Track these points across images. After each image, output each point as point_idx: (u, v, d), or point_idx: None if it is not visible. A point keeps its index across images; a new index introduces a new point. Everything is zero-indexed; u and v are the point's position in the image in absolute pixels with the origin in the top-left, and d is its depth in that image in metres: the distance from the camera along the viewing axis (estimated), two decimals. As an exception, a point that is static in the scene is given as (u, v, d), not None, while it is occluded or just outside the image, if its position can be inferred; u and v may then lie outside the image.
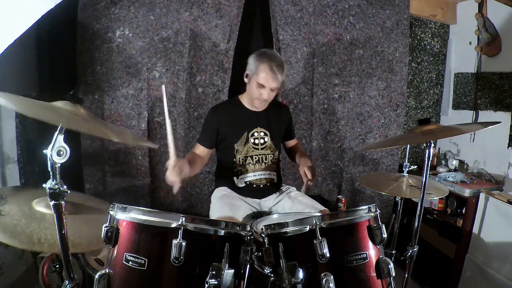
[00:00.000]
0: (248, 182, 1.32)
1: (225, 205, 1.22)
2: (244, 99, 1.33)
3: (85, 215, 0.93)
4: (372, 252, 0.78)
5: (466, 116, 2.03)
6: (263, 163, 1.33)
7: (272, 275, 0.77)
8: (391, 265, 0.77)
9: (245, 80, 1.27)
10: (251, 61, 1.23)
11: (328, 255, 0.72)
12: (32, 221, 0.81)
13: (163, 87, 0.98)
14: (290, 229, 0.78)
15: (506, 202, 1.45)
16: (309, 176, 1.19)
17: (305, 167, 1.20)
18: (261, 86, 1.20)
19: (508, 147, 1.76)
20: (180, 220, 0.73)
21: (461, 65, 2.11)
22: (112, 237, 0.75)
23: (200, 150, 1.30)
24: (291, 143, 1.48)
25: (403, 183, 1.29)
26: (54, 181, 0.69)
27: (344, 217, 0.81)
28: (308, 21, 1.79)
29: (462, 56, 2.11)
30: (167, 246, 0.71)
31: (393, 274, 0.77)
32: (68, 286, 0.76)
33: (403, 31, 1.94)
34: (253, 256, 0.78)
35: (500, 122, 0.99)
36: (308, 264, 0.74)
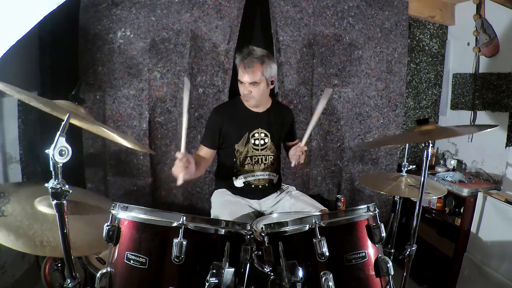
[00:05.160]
0: (246, 183, 1.33)
1: (225, 212, 1.22)
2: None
3: (86, 216, 0.93)
4: (371, 251, 0.79)
5: (464, 116, 2.04)
6: (263, 164, 1.34)
7: (272, 273, 0.77)
8: (390, 264, 0.78)
9: None
10: (236, 62, 1.28)
11: (327, 254, 0.73)
12: (35, 222, 0.81)
13: (186, 79, 1.00)
14: (289, 228, 0.79)
15: (504, 202, 1.46)
16: (298, 153, 1.19)
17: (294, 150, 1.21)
18: (240, 82, 1.24)
19: (506, 147, 1.77)
20: (181, 219, 0.73)
21: (459, 65, 2.12)
22: (114, 236, 0.76)
23: (204, 151, 1.31)
24: (292, 143, 1.49)
25: (402, 182, 1.30)
26: (56, 180, 0.69)
27: (343, 216, 0.82)
28: (307, 22, 1.80)
29: (460, 56, 2.12)
30: (168, 245, 0.72)
31: (392, 273, 0.78)
32: (70, 284, 0.77)
33: (402, 32, 1.95)
34: (253, 255, 0.79)
35: (497, 125, 1.00)
36: (308, 263, 0.75)
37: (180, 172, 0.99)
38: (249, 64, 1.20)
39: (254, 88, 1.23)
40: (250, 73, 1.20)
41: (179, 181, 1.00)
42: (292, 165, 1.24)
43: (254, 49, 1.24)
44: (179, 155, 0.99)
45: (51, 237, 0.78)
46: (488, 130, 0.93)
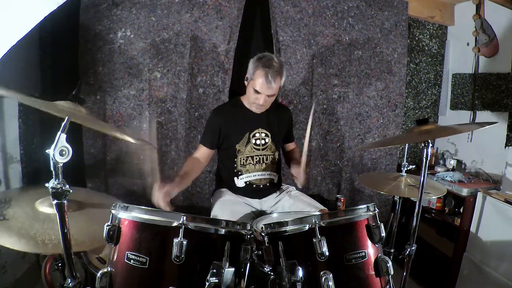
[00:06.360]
0: (248, 182, 1.33)
1: (225, 209, 1.22)
2: (245, 100, 1.34)
3: (87, 213, 0.93)
4: (370, 250, 0.79)
5: (463, 116, 2.04)
6: (264, 164, 1.34)
7: (272, 273, 0.77)
8: (390, 264, 0.78)
9: (245, 83, 1.28)
10: (250, 65, 1.23)
11: (327, 253, 0.73)
12: (36, 222, 0.81)
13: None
14: (289, 228, 0.79)
15: (504, 201, 1.46)
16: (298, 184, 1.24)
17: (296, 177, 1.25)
18: (257, 92, 1.21)
19: (505, 147, 1.77)
20: (181, 219, 0.73)
21: (459, 66, 2.12)
22: (114, 236, 0.76)
23: (202, 151, 1.31)
24: (290, 146, 1.49)
25: (402, 182, 1.30)
26: (57, 180, 0.69)
27: (343, 216, 0.82)
28: (307, 22, 1.80)
29: (460, 57, 2.12)
30: (168, 245, 0.72)
31: (392, 273, 0.78)
32: (70, 284, 0.77)
33: (402, 32, 1.95)
34: (253, 254, 0.79)
35: (497, 122, 1.01)
36: (308, 263, 0.75)
37: (161, 204, 1.01)
38: (272, 79, 1.16)
39: (270, 99, 1.24)
40: (272, 87, 1.18)
41: (160, 207, 1.02)
42: (300, 186, 1.27)
43: (274, 60, 1.20)
44: (155, 189, 1.02)
45: (53, 235, 0.78)
46: (488, 126, 0.93)
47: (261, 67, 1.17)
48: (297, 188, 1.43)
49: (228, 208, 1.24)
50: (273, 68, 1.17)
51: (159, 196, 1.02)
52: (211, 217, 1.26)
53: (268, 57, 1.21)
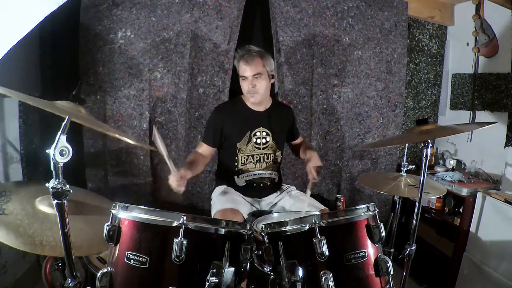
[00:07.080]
0: (248, 181, 1.34)
1: (226, 199, 1.24)
2: (246, 99, 1.34)
3: (86, 216, 0.93)
4: (370, 250, 0.79)
5: (463, 116, 2.04)
6: (264, 163, 1.35)
7: (272, 273, 0.78)
8: (390, 263, 0.78)
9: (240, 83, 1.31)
10: (235, 64, 1.30)
11: (327, 253, 0.73)
12: (35, 221, 0.81)
13: (155, 129, 0.97)
14: (289, 228, 0.80)
15: (503, 201, 1.46)
16: (315, 174, 1.22)
17: (312, 166, 1.23)
18: (243, 78, 1.26)
19: (505, 147, 1.78)
20: (181, 219, 0.74)
21: (459, 66, 2.13)
22: (114, 235, 0.76)
23: (204, 148, 1.33)
24: (296, 142, 1.51)
25: (402, 182, 1.31)
26: (57, 180, 0.69)
27: (343, 216, 0.82)
28: (307, 22, 1.80)
29: (459, 57, 2.13)
30: (168, 245, 0.72)
31: (391, 272, 0.78)
32: (70, 284, 0.77)
33: (402, 32, 1.96)
34: (253, 254, 0.79)
35: (497, 122, 1.01)
36: (308, 263, 0.75)
37: (180, 189, 1.06)
38: (249, 58, 1.23)
39: (258, 81, 1.25)
40: (252, 66, 1.23)
41: (180, 192, 1.07)
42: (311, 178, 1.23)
43: (251, 46, 1.29)
44: (172, 178, 1.05)
45: (50, 236, 0.78)
46: (488, 126, 0.93)
47: (239, 55, 1.27)
48: (297, 188, 1.44)
49: (228, 197, 1.26)
50: (250, 51, 1.25)
51: (175, 179, 1.05)
52: (211, 209, 1.27)
53: (245, 47, 1.29)
